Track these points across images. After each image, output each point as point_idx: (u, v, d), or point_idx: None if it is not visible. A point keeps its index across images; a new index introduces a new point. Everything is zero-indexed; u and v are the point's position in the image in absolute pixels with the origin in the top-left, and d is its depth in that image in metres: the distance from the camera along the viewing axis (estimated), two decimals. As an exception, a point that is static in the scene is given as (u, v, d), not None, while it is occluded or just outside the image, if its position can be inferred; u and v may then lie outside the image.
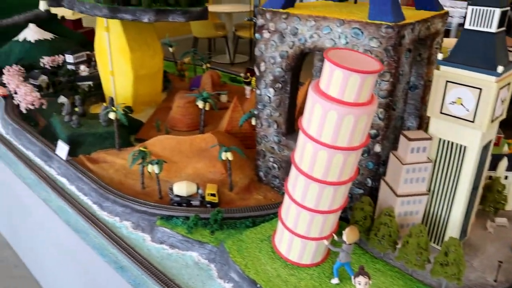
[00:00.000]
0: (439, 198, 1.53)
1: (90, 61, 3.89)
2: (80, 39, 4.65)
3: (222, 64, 7.71)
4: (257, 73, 1.85)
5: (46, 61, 3.83)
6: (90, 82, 3.39)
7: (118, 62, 2.91)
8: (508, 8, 1.37)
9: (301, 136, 1.24)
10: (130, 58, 2.83)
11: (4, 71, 3.51)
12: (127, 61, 2.85)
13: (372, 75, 1.12)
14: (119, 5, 2.43)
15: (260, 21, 1.75)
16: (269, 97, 1.84)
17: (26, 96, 2.76)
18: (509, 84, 1.42)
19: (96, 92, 3.30)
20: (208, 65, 3.62)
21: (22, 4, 4.95)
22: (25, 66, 3.89)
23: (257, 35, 1.78)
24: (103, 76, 3.13)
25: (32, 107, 2.74)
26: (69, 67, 3.74)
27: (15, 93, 3.06)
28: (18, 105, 2.95)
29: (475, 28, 1.37)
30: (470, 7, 1.36)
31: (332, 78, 1.12)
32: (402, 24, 1.46)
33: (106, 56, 2.99)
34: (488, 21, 1.34)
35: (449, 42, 4.14)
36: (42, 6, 4.37)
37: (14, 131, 2.73)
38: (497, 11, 1.31)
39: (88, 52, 3.92)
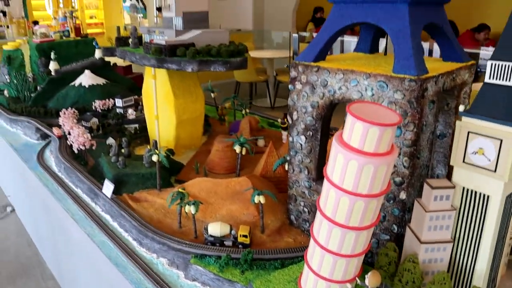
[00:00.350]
0: (464, 246, 1.55)
1: (138, 105, 4.15)
2: (129, 84, 4.98)
3: (262, 108, 7.92)
4: (290, 122, 1.96)
5: (97, 104, 4.12)
6: (137, 125, 3.62)
7: (163, 107, 3.12)
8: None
9: (325, 183, 1.32)
10: (174, 104, 3.03)
11: (61, 113, 3.81)
12: (171, 106, 3.05)
13: (390, 127, 1.21)
14: (166, 56, 2.65)
15: (292, 73, 1.88)
16: (300, 144, 1.94)
17: (78, 138, 2.99)
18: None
19: (142, 134, 3.52)
20: (248, 110, 3.78)
21: (80, 53, 5.40)
22: (79, 109, 4.20)
23: (290, 86, 1.91)
24: (149, 119, 3.34)
25: (83, 148, 2.95)
26: (118, 110, 4.02)
27: (69, 134, 3.31)
28: (71, 146, 3.18)
29: (495, 81, 1.43)
30: (489, 62, 1.44)
31: (353, 130, 1.21)
32: (424, 77, 1.54)
33: (152, 101, 3.22)
34: (507, 75, 1.40)
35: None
36: (98, 54, 4.73)
37: (66, 170, 2.94)
38: (515, 67, 1.38)
39: (136, 97, 4.20)
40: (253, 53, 8.24)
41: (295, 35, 3.96)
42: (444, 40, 1.90)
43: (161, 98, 3.11)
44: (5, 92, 4.95)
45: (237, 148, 2.54)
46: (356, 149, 1.21)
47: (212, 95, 3.97)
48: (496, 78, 1.43)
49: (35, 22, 13.38)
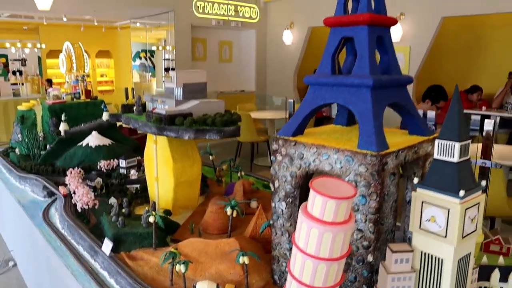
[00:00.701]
0: (424, 306, 1.71)
1: (140, 166, 4.41)
2: (134, 144, 5.26)
3: (263, 167, 8.17)
4: (272, 189, 2.18)
5: (102, 164, 4.37)
6: (138, 185, 3.85)
7: (162, 170, 3.36)
8: (469, 141, 1.66)
9: (293, 248, 1.52)
10: (173, 167, 3.27)
11: (67, 172, 4.05)
12: (170, 170, 3.28)
13: (346, 200, 1.42)
14: (165, 125, 2.92)
15: (274, 146, 2.12)
16: (282, 209, 2.15)
17: (82, 197, 3.21)
18: (478, 204, 1.66)
19: (142, 195, 3.74)
20: (243, 173, 4.00)
21: (89, 114, 5.74)
22: (85, 168, 4.45)
23: (272, 157, 2.14)
24: (149, 181, 3.58)
25: (86, 207, 3.16)
26: (122, 170, 4.26)
27: (74, 193, 3.53)
28: (75, 204, 3.39)
29: (442, 158, 1.66)
30: (436, 140, 1.67)
31: (314, 202, 1.42)
32: (384, 153, 1.77)
33: (153, 164, 3.46)
34: (451, 152, 1.63)
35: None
36: (105, 116, 5.04)
37: (69, 227, 3.14)
38: (457, 145, 1.61)
39: (139, 158, 4.47)
40: (254, 114, 8.62)
41: (291, 100, 4.25)
42: (408, 116, 2.15)
43: (161, 162, 3.36)
44: (17, 150, 5.24)
45: (228, 211, 2.73)
46: (317, 218, 1.42)
47: (211, 157, 4.22)
48: (443, 155, 1.65)
49: (49, 80, 14.02)
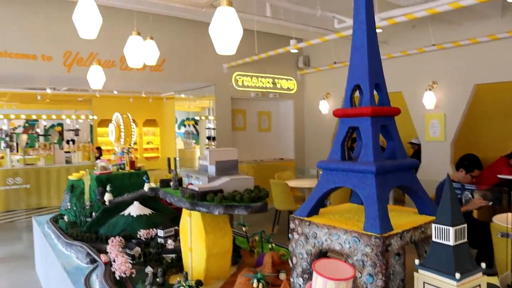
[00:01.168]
0: None
1: (177, 236, 4.66)
2: (172, 214, 5.56)
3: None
4: (291, 265, 2.36)
5: (142, 233, 4.66)
6: (174, 255, 4.08)
7: (196, 241, 3.59)
8: (465, 225, 1.81)
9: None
10: (205, 239, 3.49)
11: (109, 241, 4.36)
12: (202, 241, 3.51)
13: (344, 281, 1.60)
14: (197, 201, 3.19)
15: (291, 225, 2.33)
16: (299, 284, 2.31)
17: (121, 266, 3.47)
18: (479, 286, 1.78)
19: (177, 264, 3.96)
20: (274, 244, 4.16)
21: (132, 183, 6.15)
22: (126, 236, 4.75)
23: (290, 235, 2.34)
24: (184, 251, 3.81)
25: (124, 275, 3.40)
26: (159, 240, 4.52)
27: (114, 261, 3.80)
28: (114, 272, 3.64)
29: (439, 241, 1.81)
30: (433, 225, 1.83)
31: (316, 283, 1.60)
32: (387, 235, 1.94)
33: (187, 235, 3.70)
34: (447, 236, 1.78)
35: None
36: (146, 187, 5.41)
37: (108, 295, 3.37)
38: (451, 229, 1.76)
39: (176, 228, 4.73)
40: (292, 183, 8.83)
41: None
42: (416, 197, 2.31)
43: (194, 233, 3.60)
44: (65, 217, 5.65)
45: (254, 283, 2.90)
46: (319, 296, 1.59)
47: (244, 228, 4.42)
48: (440, 238, 1.81)
49: (99, 148, 14.91)
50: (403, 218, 2.21)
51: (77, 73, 8.66)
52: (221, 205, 3.11)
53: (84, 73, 8.47)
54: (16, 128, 11.60)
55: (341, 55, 10.63)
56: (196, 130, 16.61)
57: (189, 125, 16.46)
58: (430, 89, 8.97)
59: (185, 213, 3.73)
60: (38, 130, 12.28)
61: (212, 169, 3.60)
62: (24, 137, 11.71)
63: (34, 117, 11.92)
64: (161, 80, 9.66)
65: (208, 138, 13.11)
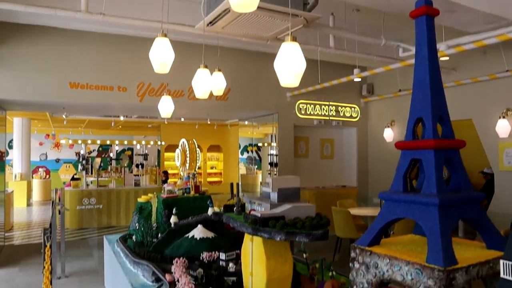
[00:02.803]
0: None
1: (238, 259, 4.77)
2: (233, 237, 5.68)
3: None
4: (351, 295, 2.37)
5: (205, 255, 4.81)
6: (234, 278, 4.18)
7: (257, 266, 3.67)
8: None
9: None
10: (266, 264, 3.56)
11: (174, 261, 4.54)
12: (263, 266, 3.58)
13: (405, 312, 1.60)
14: (259, 226, 3.28)
15: (352, 254, 2.35)
16: (358, 313, 2.31)
17: (185, 286, 3.61)
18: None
19: (238, 287, 4.05)
20: (334, 273, 4.14)
21: (196, 207, 6.38)
22: (189, 258, 4.92)
23: (350, 264, 2.36)
24: (245, 275, 3.89)
25: (189, 297, 3.54)
26: (221, 263, 4.65)
27: (177, 281, 3.95)
28: (179, 292, 3.78)
29: (507, 277, 1.76)
30: (501, 261, 1.79)
31: (376, 311, 1.62)
32: (451, 268, 1.92)
33: (248, 260, 3.79)
34: (515, 273, 1.73)
35: None
36: (210, 211, 5.60)
37: (172, 314, 3.51)
38: (521, 267, 1.71)
39: (238, 251, 4.84)
40: (354, 211, 8.71)
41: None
42: (483, 231, 2.26)
43: (256, 258, 3.68)
44: (133, 237, 5.96)
45: (314, 311, 2.91)
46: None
47: (304, 255, 4.44)
48: (508, 275, 1.76)
49: (165, 172, 15.49)
50: (470, 252, 2.17)
51: (148, 102, 9.20)
52: (282, 231, 3.18)
53: (155, 102, 9.01)
54: (91, 152, 12.41)
55: (407, 83, 10.46)
56: (259, 156, 16.86)
57: (252, 151, 16.76)
58: (504, 117, 8.58)
59: (247, 238, 3.83)
60: (111, 154, 13.02)
61: (274, 196, 3.69)
62: (98, 160, 12.48)
63: (108, 142, 12.66)
64: (226, 108, 10.01)
65: (271, 164, 13.26)
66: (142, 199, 6.72)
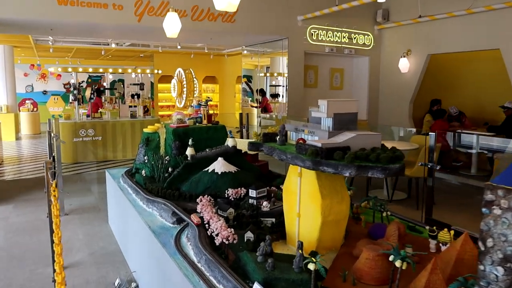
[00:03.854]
0: None
1: (270, 197, 4.16)
2: (257, 172, 5.06)
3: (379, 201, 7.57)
4: (482, 248, 1.74)
5: (230, 192, 4.20)
6: (272, 219, 3.58)
7: (307, 206, 3.05)
8: None
9: None
10: (320, 204, 2.94)
11: (198, 200, 3.93)
12: (317, 207, 2.96)
13: None
14: (322, 159, 2.61)
15: (489, 195, 1.70)
16: (496, 275, 1.70)
17: (222, 230, 3.00)
18: None
19: (277, 230, 3.46)
20: (389, 213, 3.57)
21: (209, 138, 5.71)
22: (211, 195, 4.33)
23: (484, 209, 1.72)
24: (289, 216, 3.29)
25: (226, 242, 2.94)
26: (251, 201, 4.04)
27: (207, 223, 3.35)
28: (210, 236, 3.19)
29: None
30: None
31: None
32: None
33: (294, 199, 3.17)
34: None
35: None
36: (231, 142, 4.93)
37: (207, 262, 2.93)
38: None
39: (269, 188, 4.23)
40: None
41: (432, 134, 3.78)
42: None
43: (305, 197, 3.06)
44: (143, 172, 5.30)
45: (397, 263, 2.33)
46: None
47: (349, 192, 3.84)
48: None
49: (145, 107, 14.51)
50: None
51: (147, 23, 8.22)
52: (352, 165, 2.53)
53: (154, 22, 8.02)
54: (81, 83, 11.45)
55: (428, 8, 9.54)
56: (250, 88, 16.04)
57: (243, 82, 15.88)
58: None
59: (293, 173, 3.19)
60: (104, 84, 12.09)
61: (328, 123, 3.00)
62: (88, 92, 11.57)
63: (101, 70, 11.69)
64: (232, 31, 9.05)
65: (272, 95, 12.51)
66: (148, 129, 5.99)
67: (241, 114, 8.68)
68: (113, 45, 14.07)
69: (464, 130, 9.51)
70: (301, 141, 3.07)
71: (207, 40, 11.41)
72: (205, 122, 6.05)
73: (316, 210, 2.98)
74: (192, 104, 6.29)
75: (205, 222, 3.39)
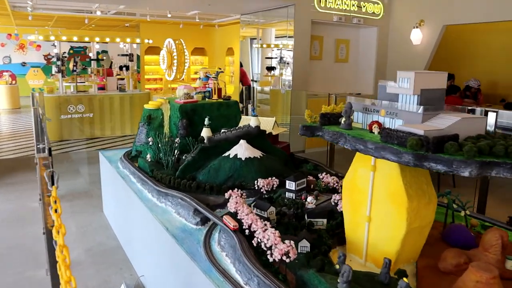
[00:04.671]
0: None
1: (310, 189, 3.46)
2: (283, 156, 4.34)
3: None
4: None
5: (261, 183, 3.49)
6: (323, 220, 2.88)
7: (384, 208, 2.36)
8: None
9: None
10: (407, 207, 2.25)
11: (226, 195, 3.21)
12: (401, 210, 2.27)
13: None
14: (428, 152, 1.90)
15: None
16: None
17: (277, 242, 2.29)
18: None
19: (333, 234, 2.77)
20: (468, 211, 2.91)
21: (221, 115, 5.00)
22: (235, 186, 3.63)
23: None
24: (351, 218, 2.59)
25: (286, 260, 2.23)
26: (289, 195, 3.34)
27: (249, 229, 2.65)
28: (257, 247, 2.50)
29: None
30: None
31: None
32: None
33: (362, 198, 2.48)
34: None
35: None
36: (253, 122, 4.19)
37: (261, 285, 2.23)
38: None
39: (309, 178, 3.52)
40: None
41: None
42: None
43: (382, 197, 2.36)
44: (148, 156, 4.52)
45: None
46: None
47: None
48: None
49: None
50: None
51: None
52: (473, 161, 1.82)
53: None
54: (64, 53, 10.43)
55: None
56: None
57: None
58: None
59: (362, 164, 2.48)
60: (90, 55, 11.08)
61: (413, 101, 2.29)
62: (71, 64, 10.56)
63: (86, 39, 10.66)
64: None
65: (268, 68, 11.68)
66: (150, 105, 5.18)
67: (242, 88, 7.88)
68: (98, 13, 12.97)
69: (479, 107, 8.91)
70: (375, 125, 2.36)
71: (204, 7, 10.44)
72: (215, 97, 5.27)
73: (400, 214, 2.29)
74: (200, 77, 5.46)
75: (245, 227, 2.67)
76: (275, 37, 10.97)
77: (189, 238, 2.99)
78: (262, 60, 12.14)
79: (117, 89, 10.98)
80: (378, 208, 2.41)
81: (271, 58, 11.30)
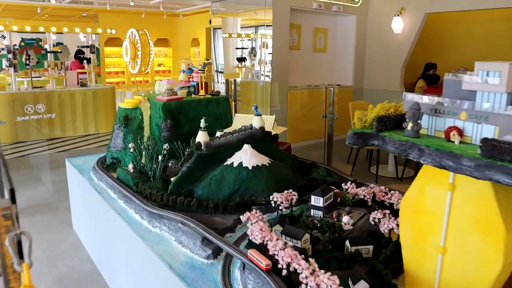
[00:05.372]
0: None
1: (337, 203, 2.90)
2: (290, 161, 3.75)
3: (385, 178, 6.63)
4: None
5: (280, 199, 2.90)
6: (369, 247, 2.33)
7: (469, 238, 1.83)
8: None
9: None
10: (504, 238, 1.73)
11: (243, 218, 2.60)
12: (495, 241, 1.75)
13: None
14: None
15: None
16: None
17: (320, 284, 1.72)
18: None
19: (387, 265, 2.22)
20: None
21: (210, 114, 4.40)
22: (244, 202, 3.04)
23: None
24: (414, 248, 2.05)
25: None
26: (315, 212, 2.76)
27: (287, 269, 2.07)
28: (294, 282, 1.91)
29: None
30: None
31: None
32: None
33: (430, 222, 1.94)
34: None
35: None
36: (256, 122, 3.59)
37: None
38: None
39: (337, 191, 2.96)
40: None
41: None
42: None
43: (464, 223, 1.83)
44: (130, 166, 3.82)
45: None
46: None
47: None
48: None
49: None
50: None
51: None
52: None
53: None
54: (15, 45, 9.39)
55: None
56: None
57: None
58: None
59: (427, 178, 1.94)
60: (46, 46, 10.07)
61: (502, 100, 1.76)
62: (24, 57, 9.54)
63: (41, 29, 9.63)
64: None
65: (238, 59, 11.04)
66: (126, 103, 4.45)
67: (227, 81, 7.25)
68: (53, 1, 11.89)
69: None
70: (455, 132, 1.82)
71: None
72: (202, 92, 4.63)
73: (493, 246, 1.76)
74: (182, 69, 4.79)
75: (281, 266, 2.07)
76: (249, 27, 10.35)
77: (201, 279, 2.36)
78: (232, 51, 11.47)
79: (78, 84, 10.04)
80: (457, 237, 1.87)
81: (242, 48, 10.71)
